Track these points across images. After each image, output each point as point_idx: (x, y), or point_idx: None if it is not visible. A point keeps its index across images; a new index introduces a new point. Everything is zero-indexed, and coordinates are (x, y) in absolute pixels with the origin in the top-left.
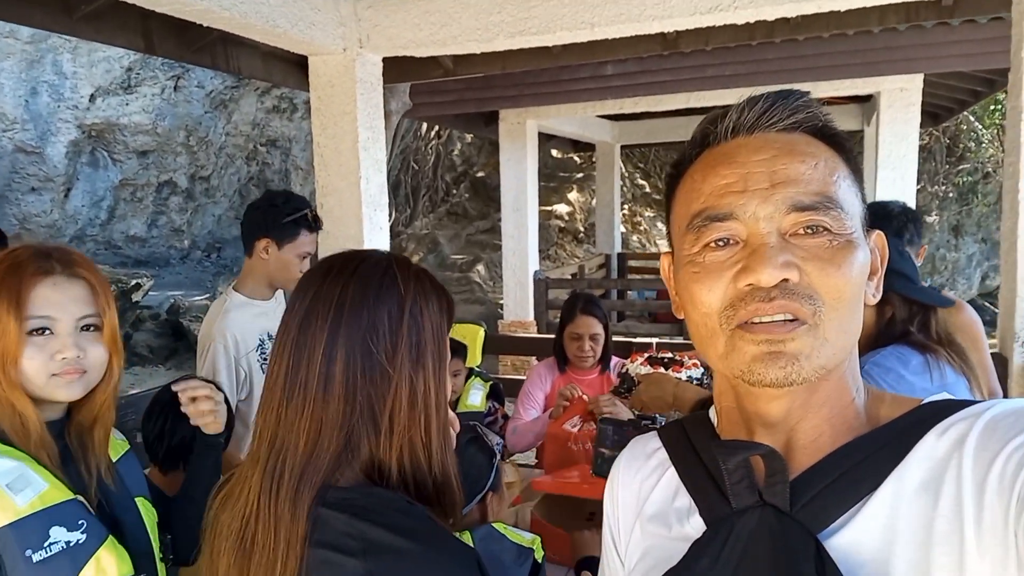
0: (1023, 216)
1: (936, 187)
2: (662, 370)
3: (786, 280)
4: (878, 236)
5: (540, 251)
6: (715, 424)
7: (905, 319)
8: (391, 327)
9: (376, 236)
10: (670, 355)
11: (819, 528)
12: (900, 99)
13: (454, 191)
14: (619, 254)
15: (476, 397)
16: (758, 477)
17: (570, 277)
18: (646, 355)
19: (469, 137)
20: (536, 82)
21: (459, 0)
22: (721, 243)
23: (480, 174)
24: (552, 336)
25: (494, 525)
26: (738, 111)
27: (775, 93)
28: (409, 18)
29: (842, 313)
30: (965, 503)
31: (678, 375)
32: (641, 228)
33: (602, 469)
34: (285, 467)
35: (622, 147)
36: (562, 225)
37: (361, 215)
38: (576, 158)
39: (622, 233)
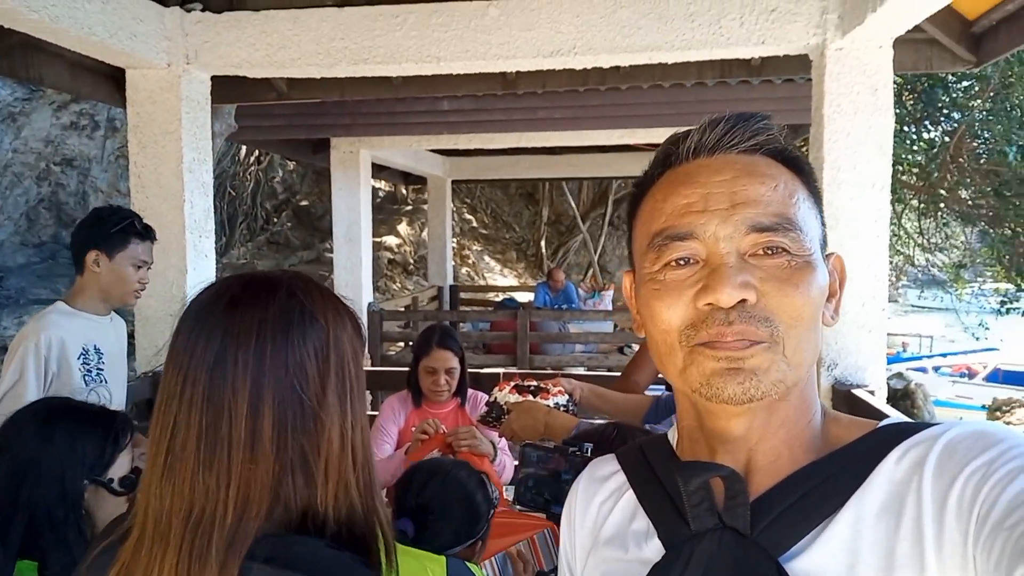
0: None
1: None
2: (531, 398)
3: (744, 301)
4: (837, 258)
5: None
6: (674, 445)
7: None
8: (319, 367)
9: (202, 264)
10: (535, 383)
11: (780, 552)
12: None
13: (275, 219)
14: (451, 286)
15: None
16: (718, 500)
17: (404, 309)
18: (512, 383)
19: (292, 164)
20: (372, 112)
21: (299, 23)
22: (682, 262)
23: (304, 202)
24: (389, 368)
25: (467, 564)
26: (700, 132)
27: (736, 115)
28: (244, 36)
29: (800, 332)
30: (925, 526)
31: (546, 403)
32: (470, 261)
33: (525, 498)
34: (211, 543)
35: (453, 182)
36: (391, 257)
37: (185, 241)
38: (404, 191)
39: (452, 265)
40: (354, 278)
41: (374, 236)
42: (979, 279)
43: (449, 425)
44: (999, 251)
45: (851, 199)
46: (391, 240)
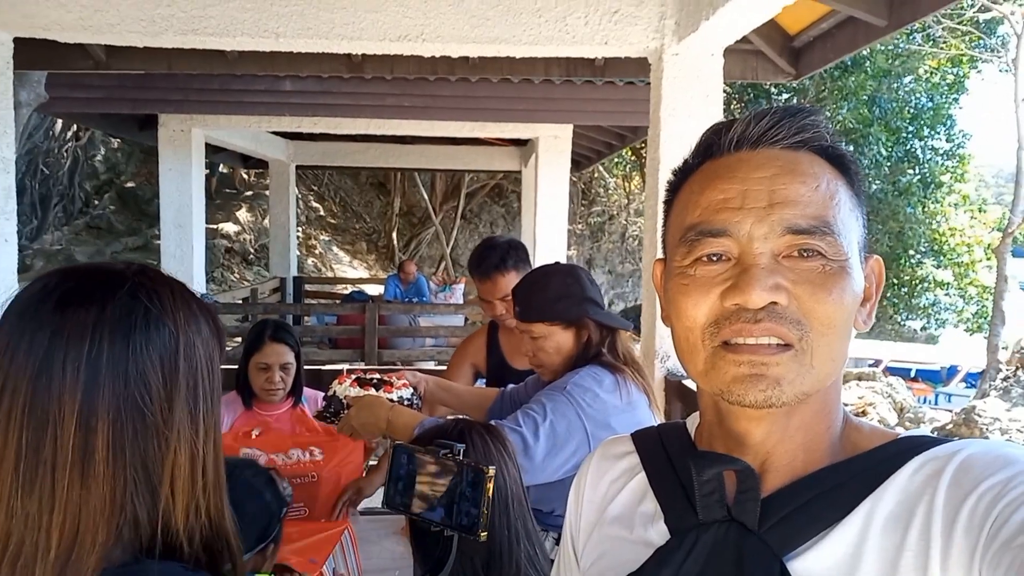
0: (661, 250)
1: (573, 226)
2: (373, 391)
3: (774, 303)
4: (876, 261)
5: (205, 273)
6: (692, 435)
7: (598, 342)
8: (165, 376)
9: (1, 250)
10: (378, 376)
11: (784, 550)
12: (554, 145)
13: (96, 202)
14: (295, 278)
15: None
16: (729, 493)
17: (241, 302)
18: (353, 376)
19: (116, 142)
20: (206, 88)
21: None
22: (713, 258)
23: (129, 184)
24: (224, 367)
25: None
26: (744, 124)
27: (783, 108)
28: None
29: (830, 340)
30: (933, 539)
31: (389, 396)
32: (316, 252)
33: (395, 500)
34: None
35: (297, 167)
36: (229, 246)
37: None
38: (245, 175)
39: (297, 256)
40: (184, 268)
41: (210, 223)
42: None
43: (284, 429)
44: None
45: None
46: (229, 227)
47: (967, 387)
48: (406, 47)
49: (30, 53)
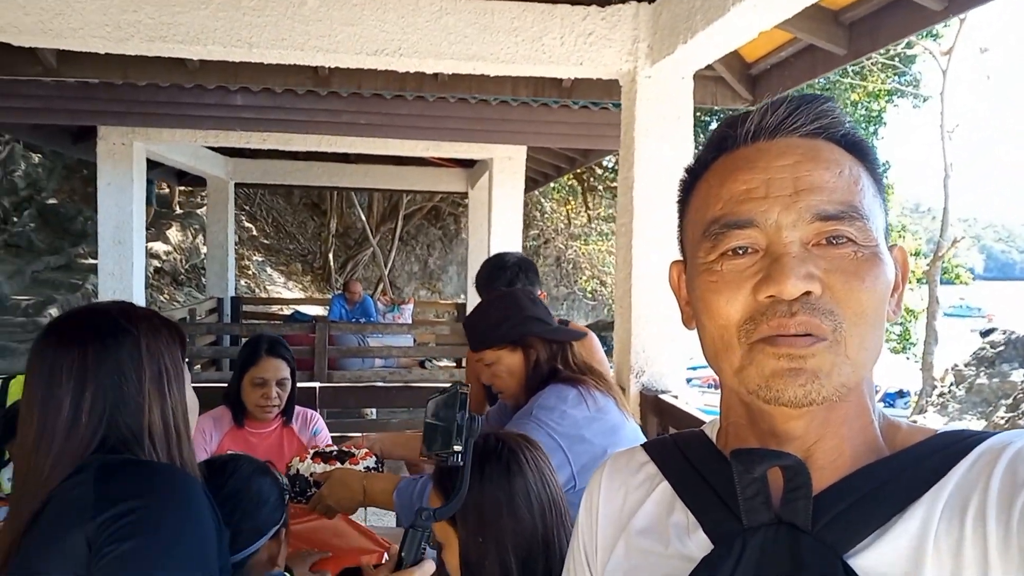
0: (635, 267)
1: None
2: (337, 464)
3: (808, 293)
4: (900, 250)
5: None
6: (714, 440)
7: (549, 358)
8: (135, 366)
9: None
10: (335, 448)
11: (843, 549)
12: (508, 166)
13: (15, 219)
14: (233, 298)
15: None
16: (773, 494)
17: (179, 321)
18: (311, 451)
19: (37, 157)
20: (151, 100)
21: None
22: (740, 251)
23: (51, 201)
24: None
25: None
26: (760, 114)
27: (799, 97)
28: None
29: (864, 329)
30: (990, 532)
31: (355, 468)
32: (250, 272)
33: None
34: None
35: (235, 185)
36: (159, 266)
37: None
38: (174, 193)
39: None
40: (123, 286)
41: None
42: None
43: (275, 447)
44: None
45: (656, 217)
46: (159, 247)
47: (885, 406)
48: (382, 61)
49: None
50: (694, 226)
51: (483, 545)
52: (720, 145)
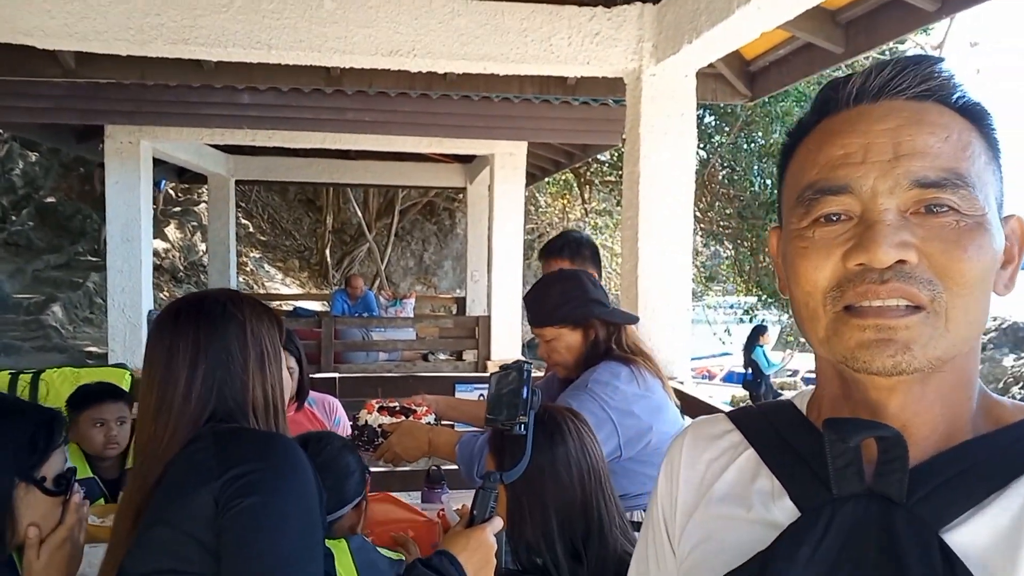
0: (641, 258)
1: None
2: (403, 418)
3: (902, 262)
4: (1018, 220)
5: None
6: (804, 412)
7: (605, 339)
8: (241, 347)
9: None
10: (399, 404)
11: (938, 525)
12: (510, 162)
13: (14, 218)
14: None
15: None
16: (866, 464)
17: None
18: (377, 404)
19: (35, 155)
20: (158, 99)
21: None
22: (833, 218)
23: (49, 199)
24: None
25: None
26: (863, 76)
27: (907, 58)
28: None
29: (967, 300)
30: None
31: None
32: (248, 269)
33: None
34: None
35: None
36: (158, 263)
37: None
38: (173, 191)
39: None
40: (132, 283)
41: None
42: (725, 293)
43: (297, 430)
44: (740, 266)
45: (661, 210)
46: (158, 244)
47: None
48: (396, 62)
49: None
50: (790, 191)
51: (526, 504)
52: (822, 108)
